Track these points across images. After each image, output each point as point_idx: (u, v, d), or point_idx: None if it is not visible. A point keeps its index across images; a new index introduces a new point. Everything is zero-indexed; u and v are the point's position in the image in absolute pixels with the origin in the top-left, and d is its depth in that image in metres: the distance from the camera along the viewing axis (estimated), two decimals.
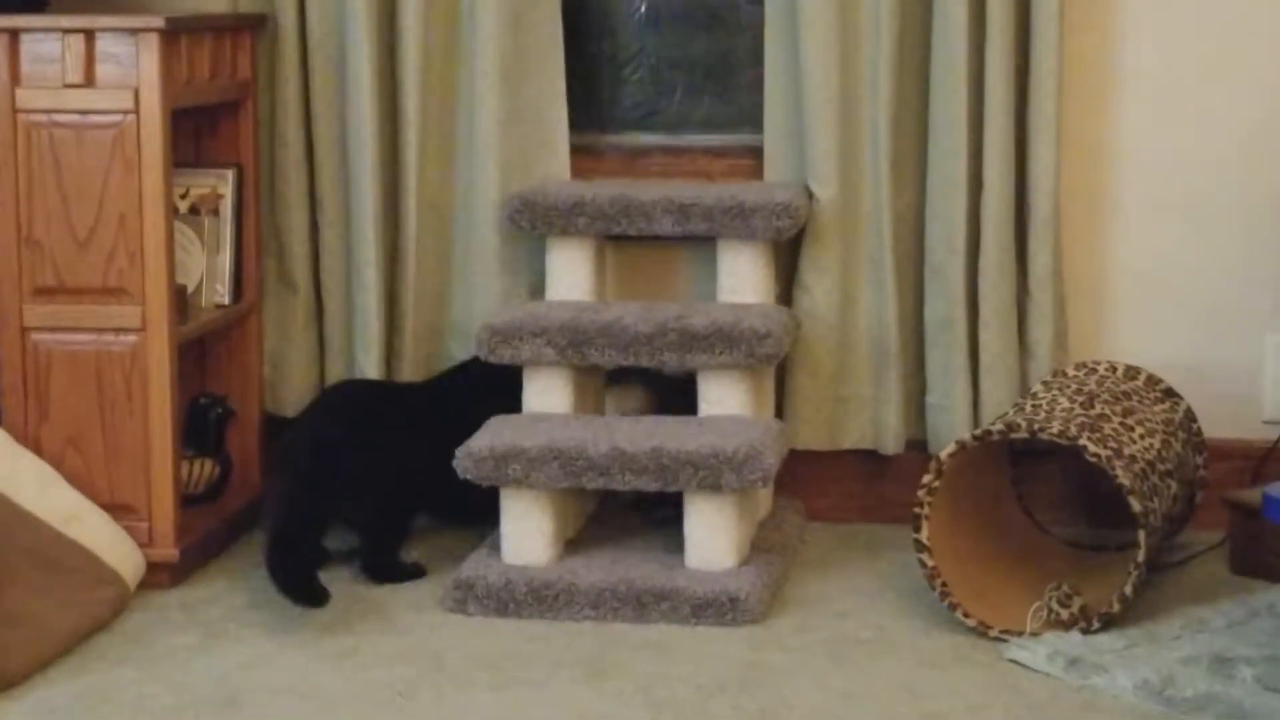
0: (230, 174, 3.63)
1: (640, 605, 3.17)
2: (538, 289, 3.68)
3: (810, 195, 3.60)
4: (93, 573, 3.19)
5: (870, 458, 3.69)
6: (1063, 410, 3.22)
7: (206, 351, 3.70)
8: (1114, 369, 3.47)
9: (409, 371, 3.72)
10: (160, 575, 3.33)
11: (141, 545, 3.31)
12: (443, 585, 3.26)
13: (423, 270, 3.71)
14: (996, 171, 3.55)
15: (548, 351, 3.37)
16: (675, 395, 3.53)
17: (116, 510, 3.31)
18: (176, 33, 3.33)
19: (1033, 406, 3.28)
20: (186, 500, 3.46)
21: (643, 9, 3.86)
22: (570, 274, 3.57)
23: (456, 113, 3.71)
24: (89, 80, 3.26)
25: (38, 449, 3.32)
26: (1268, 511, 3.33)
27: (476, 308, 3.69)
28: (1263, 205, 3.63)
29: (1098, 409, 3.25)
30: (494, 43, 3.62)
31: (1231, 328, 3.66)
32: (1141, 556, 3.04)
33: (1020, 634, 3.07)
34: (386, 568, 3.40)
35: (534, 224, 3.54)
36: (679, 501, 3.26)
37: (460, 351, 3.72)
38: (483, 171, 3.66)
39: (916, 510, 3.13)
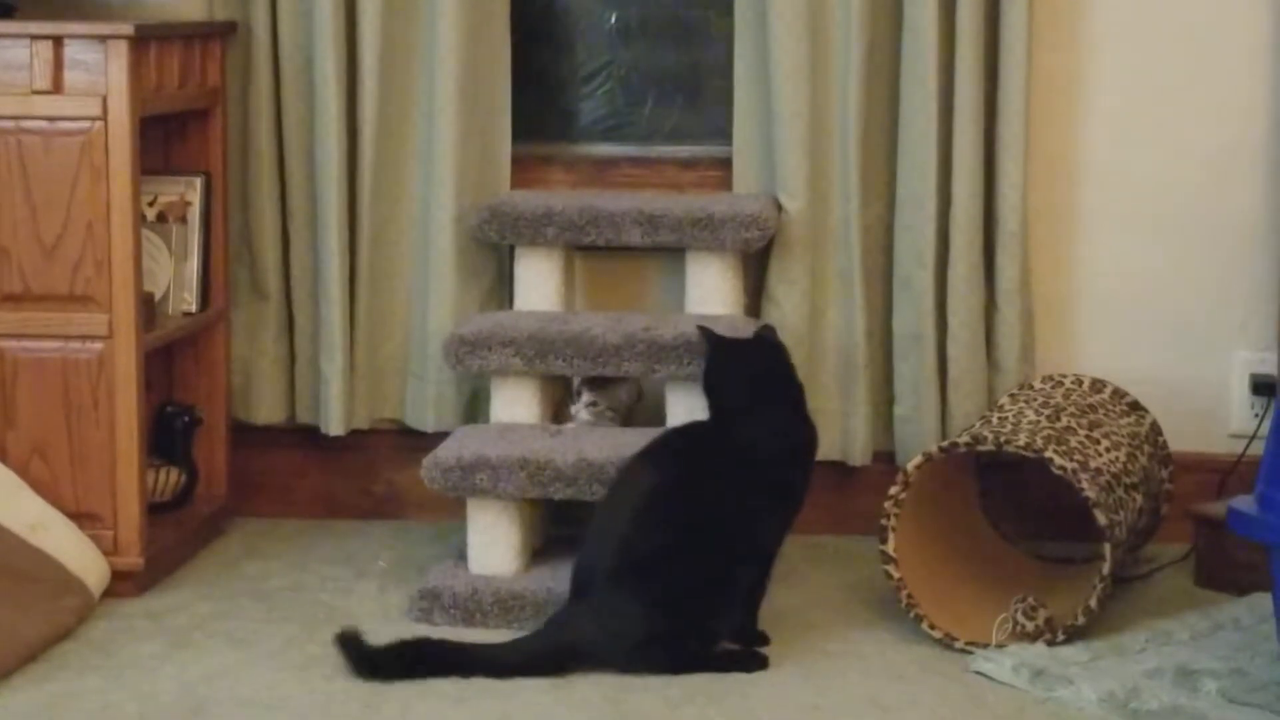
0: (198, 181, 3.62)
1: None
2: (488, 301, 3.68)
3: (779, 207, 3.61)
4: (58, 581, 3.18)
5: (838, 469, 3.69)
6: (1029, 423, 3.23)
7: (173, 359, 3.69)
8: (1080, 382, 3.48)
9: (366, 384, 3.72)
10: (126, 584, 3.32)
11: (107, 553, 3.29)
12: (409, 595, 3.26)
13: (378, 281, 3.71)
14: (965, 186, 3.56)
15: (515, 362, 3.37)
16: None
17: (82, 518, 3.29)
18: (146, 40, 3.32)
19: (999, 419, 3.28)
20: (153, 508, 3.44)
21: (614, 20, 3.87)
22: (539, 284, 3.57)
23: (415, 124, 3.71)
24: (57, 87, 3.25)
25: (3, 457, 3.30)
26: (1233, 525, 3.34)
27: (431, 319, 3.68)
28: (1230, 222, 3.65)
29: (1064, 421, 3.25)
30: (453, 55, 3.61)
31: (1199, 343, 3.68)
32: (1107, 569, 3.05)
33: (986, 646, 3.07)
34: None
35: (502, 234, 3.54)
36: None
37: (416, 364, 3.71)
38: (439, 184, 3.65)
39: (883, 522, 3.13)
